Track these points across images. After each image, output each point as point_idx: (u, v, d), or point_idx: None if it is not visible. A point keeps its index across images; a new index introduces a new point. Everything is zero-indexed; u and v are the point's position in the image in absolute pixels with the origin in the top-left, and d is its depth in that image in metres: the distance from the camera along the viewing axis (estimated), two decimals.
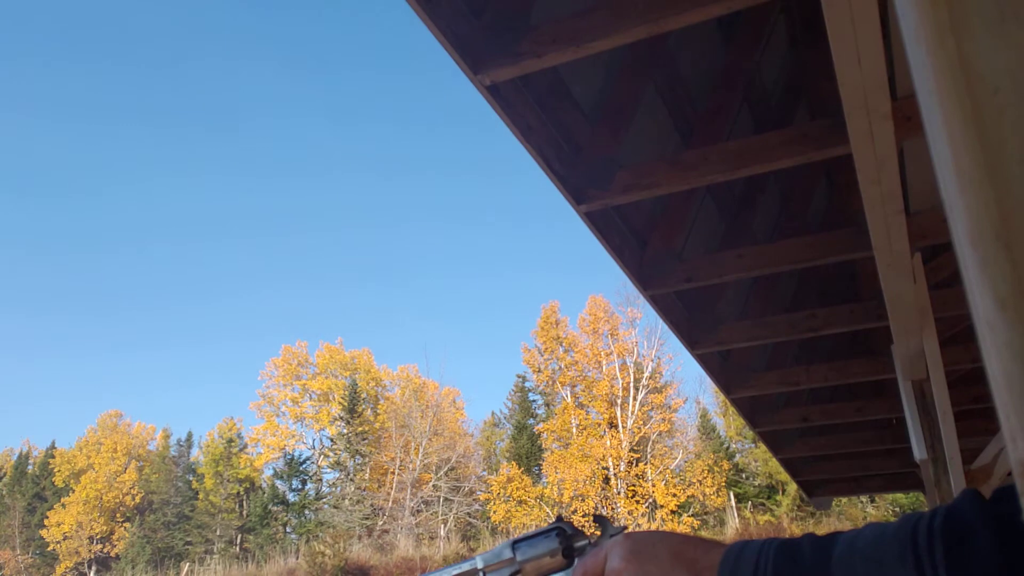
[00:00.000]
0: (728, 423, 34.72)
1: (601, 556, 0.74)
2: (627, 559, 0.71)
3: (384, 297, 66.27)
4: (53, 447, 44.73)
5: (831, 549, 0.56)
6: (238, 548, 35.51)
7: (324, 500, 35.28)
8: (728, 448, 34.32)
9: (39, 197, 66.05)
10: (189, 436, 43.93)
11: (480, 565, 0.87)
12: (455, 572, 0.88)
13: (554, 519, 0.86)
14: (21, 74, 65.26)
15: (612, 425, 32.04)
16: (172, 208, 66.58)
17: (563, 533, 0.84)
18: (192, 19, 66.90)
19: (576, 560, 0.82)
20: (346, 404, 36.07)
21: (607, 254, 3.58)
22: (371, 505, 32.79)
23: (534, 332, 36.31)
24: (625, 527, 0.84)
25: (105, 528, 38.82)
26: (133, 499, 39.77)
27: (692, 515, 29.62)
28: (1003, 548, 0.47)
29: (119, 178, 66.09)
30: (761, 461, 31.35)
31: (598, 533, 0.84)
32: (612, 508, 29.50)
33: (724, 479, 30.87)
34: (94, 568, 38.48)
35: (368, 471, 34.72)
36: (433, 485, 33.40)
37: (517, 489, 30.70)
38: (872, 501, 29.33)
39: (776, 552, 0.60)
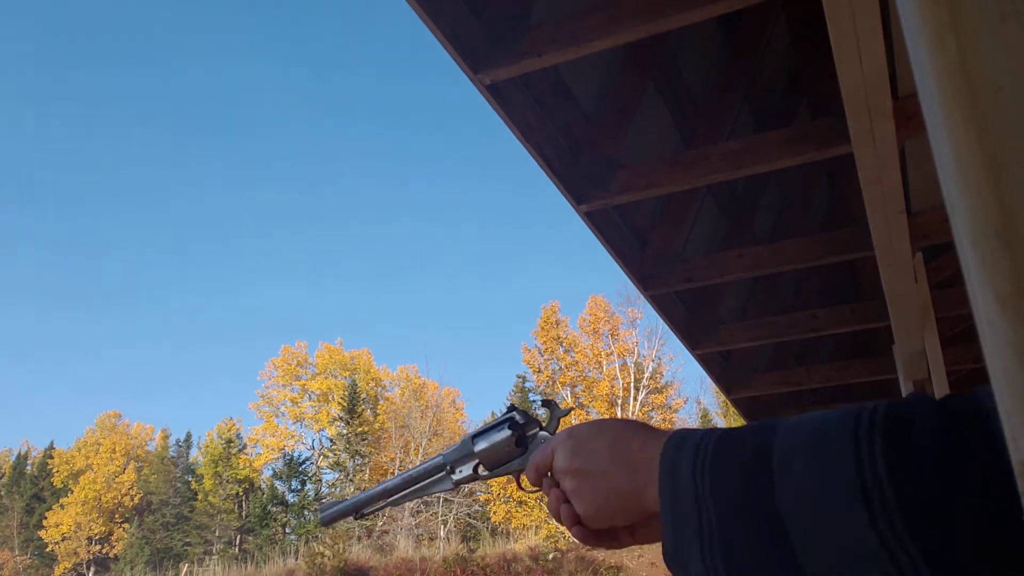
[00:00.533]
0: (729, 423, 34.71)
1: (548, 452, 0.77)
2: (569, 459, 0.72)
3: (384, 297, 66.32)
4: (51, 447, 44.73)
5: (773, 434, 0.54)
6: (237, 549, 35.50)
7: (324, 500, 35.27)
8: None
9: (38, 196, 66.11)
10: (188, 437, 43.98)
11: (447, 460, 0.93)
12: (424, 467, 0.95)
13: (506, 409, 0.91)
14: (18, 72, 65.32)
15: None
16: (172, 208, 66.63)
17: (515, 423, 0.89)
18: (193, 19, 66.97)
19: (528, 447, 0.88)
20: (346, 404, 36.06)
21: (607, 254, 3.58)
22: None
23: (534, 332, 36.32)
24: (571, 409, 0.90)
25: (104, 529, 38.81)
26: (132, 500, 39.76)
27: None
28: (945, 436, 0.46)
29: (118, 178, 66.15)
30: None
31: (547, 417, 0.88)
32: None
33: None
34: (93, 569, 38.46)
35: (368, 472, 34.70)
36: None
37: (517, 490, 30.68)
38: None
39: (718, 442, 0.58)
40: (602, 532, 0.75)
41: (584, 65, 3.05)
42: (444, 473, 0.94)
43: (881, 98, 1.83)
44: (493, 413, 42.52)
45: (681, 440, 0.62)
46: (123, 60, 65.76)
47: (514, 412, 0.90)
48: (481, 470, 0.91)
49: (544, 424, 0.89)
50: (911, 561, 0.46)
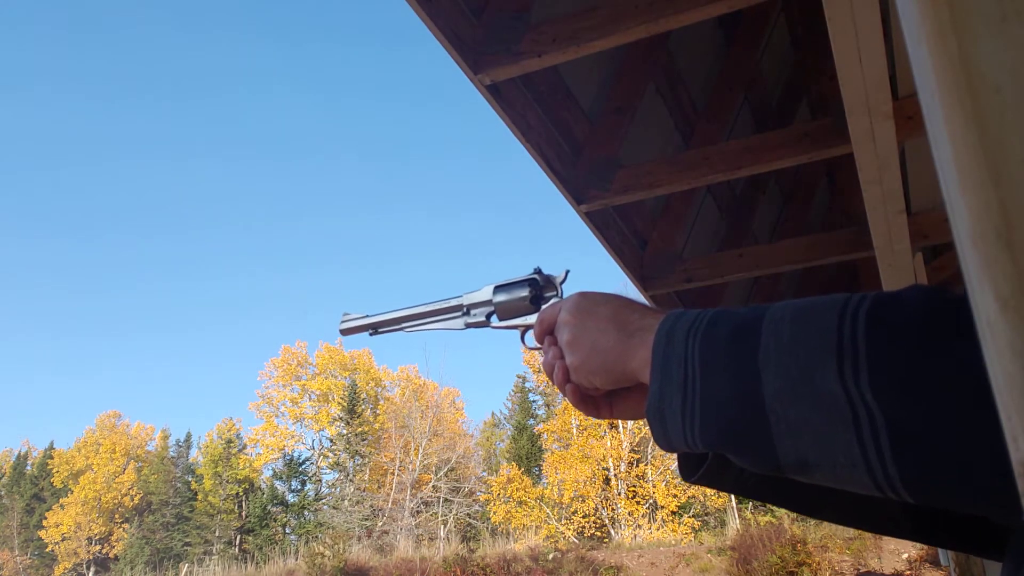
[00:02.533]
0: None
1: (557, 307, 0.80)
2: (572, 313, 0.76)
3: (384, 298, 66.31)
4: (51, 448, 44.73)
5: (766, 310, 0.57)
6: (237, 549, 35.48)
7: (323, 501, 35.26)
8: None
9: (38, 197, 66.07)
10: (188, 437, 43.96)
11: (465, 302, 0.98)
12: (443, 305, 0.99)
13: (533, 269, 0.95)
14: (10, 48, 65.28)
15: (612, 426, 32.03)
16: (171, 210, 66.60)
17: (535, 283, 0.92)
18: (193, 18, 66.93)
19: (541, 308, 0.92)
20: (345, 405, 36.05)
21: (607, 254, 3.58)
22: (370, 506, 32.76)
23: None
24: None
25: (104, 529, 38.81)
26: (132, 500, 39.74)
27: (693, 516, 29.61)
28: (927, 311, 0.47)
29: (118, 179, 66.11)
30: None
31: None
32: (612, 509, 29.49)
33: None
34: (93, 569, 38.46)
35: (368, 472, 34.69)
36: (433, 486, 33.38)
37: (517, 490, 30.68)
38: None
39: (716, 311, 0.62)
40: (587, 398, 0.79)
41: (584, 65, 3.05)
42: (460, 313, 0.98)
43: (881, 98, 1.83)
44: (493, 414, 42.55)
45: (681, 312, 0.65)
46: (117, 39, 65.76)
47: (537, 274, 0.94)
48: (494, 319, 0.95)
49: (563, 294, 0.92)
50: (869, 416, 0.47)
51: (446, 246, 67.45)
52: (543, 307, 0.88)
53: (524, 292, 0.93)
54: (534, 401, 38.10)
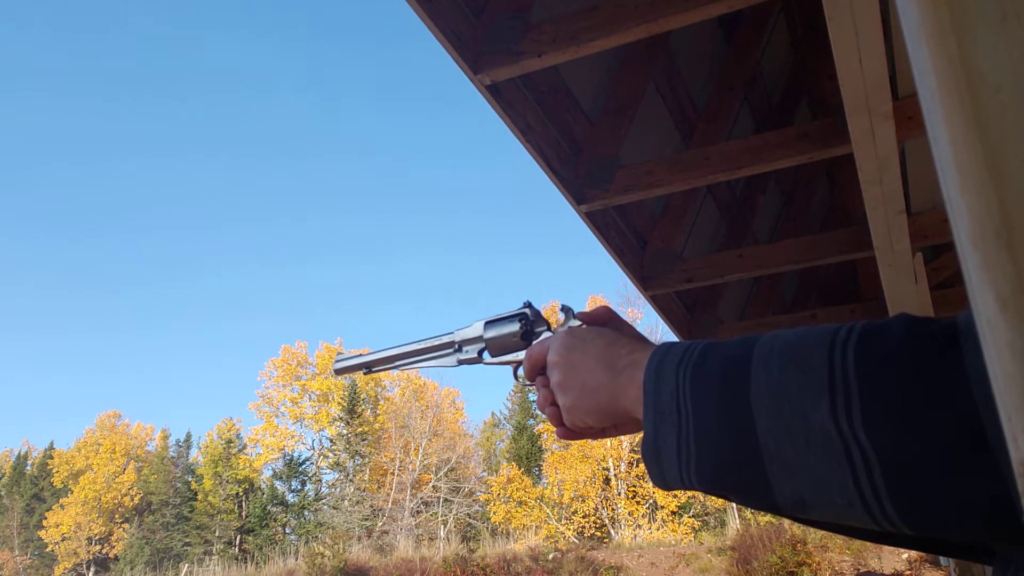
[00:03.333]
0: None
1: (545, 346, 0.80)
2: (559, 352, 0.75)
3: (384, 298, 66.32)
4: (51, 448, 44.74)
5: (755, 343, 0.56)
6: (237, 549, 35.47)
7: (323, 501, 35.25)
8: None
9: (37, 198, 66.08)
10: (188, 437, 43.95)
11: (456, 338, 0.98)
12: (436, 342, 1.00)
13: (523, 303, 0.94)
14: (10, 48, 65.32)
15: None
16: (171, 210, 66.62)
17: (525, 318, 0.93)
18: (193, 18, 66.96)
19: (532, 343, 0.91)
20: (346, 404, 36.04)
21: (607, 254, 3.58)
22: (371, 506, 32.75)
23: None
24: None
25: (104, 529, 38.80)
26: (132, 500, 39.73)
27: (693, 516, 29.60)
28: (913, 346, 0.47)
29: (118, 179, 66.13)
30: None
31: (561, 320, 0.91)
32: (612, 509, 29.49)
33: None
34: (93, 569, 38.45)
35: (368, 472, 34.68)
36: (433, 486, 33.38)
37: (517, 490, 30.67)
38: None
39: (705, 345, 0.61)
40: (581, 434, 0.79)
41: (584, 65, 3.05)
42: (452, 350, 0.98)
43: (881, 98, 1.83)
44: (493, 414, 42.54)
45: (670, 346, 0.65)
46: (110, 40, 65.79)
47: (527, 308, 0.94)
48: (486, 355, 0.96)
49: (555, 327, 0.91)
50: (863, 455, 0.47)
51: (446, 245, 67.50)
52: (532, 344, 0.87)
53: (514, 327, 0.92)
54: (534, 401, 38.06)
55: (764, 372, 0.53)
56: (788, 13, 4.15)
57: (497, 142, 67.92)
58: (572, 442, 31.68)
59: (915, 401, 0.45)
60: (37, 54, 65.70)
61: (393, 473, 33.78)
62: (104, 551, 38.81)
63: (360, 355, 1.08)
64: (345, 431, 35.60)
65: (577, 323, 0.87)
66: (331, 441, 36.83)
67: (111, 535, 39.13)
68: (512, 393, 39.16)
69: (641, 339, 0.74)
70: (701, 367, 0.59)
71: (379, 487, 34.21)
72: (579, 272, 64.64)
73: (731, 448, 0.54)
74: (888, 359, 0.47)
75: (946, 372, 0.45)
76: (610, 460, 30.51)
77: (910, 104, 2.40)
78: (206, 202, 67.09)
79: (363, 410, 36.73)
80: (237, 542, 36.19)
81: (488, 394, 68.65)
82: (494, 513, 30.98)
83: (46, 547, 38.66)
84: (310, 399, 38.25)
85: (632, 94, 3.29)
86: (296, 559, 27.45)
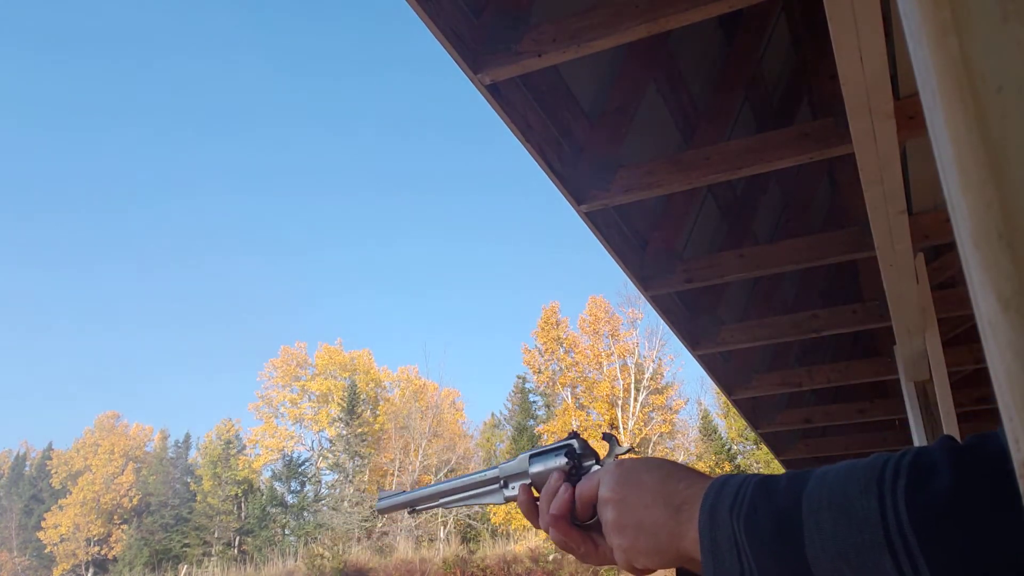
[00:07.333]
0: (730, 424, 34.69)
1: (595, 481, 0.76)
2: (614, 489, 0.71)
3: (384, 298, 66.33)
4: (50, 449, 44.76)
5: (805, 484, 0.56)
6: (236, 550, 35.48)
7: (323, 502, 35.26)
8: (730, 450, 34.28)
9: (36, 199, 66.09)
10: (187, 437, 43.97)
11: (501, 474, 0.94)
12: (480, 478, 0.97)
13: (568, 433, 0.90)
14: (12, 73, 65.34)
15: (613, 426, 32.02)
16: (172, 210, 66.62)
17: (572, 451, 0.87)
18: (184, 16, 66.97)
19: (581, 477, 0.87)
20: (345, 405, 36.04)
21: (608, 254, 3.58)
22: (370, 507, 32.77)
23: (534, 333, 36.30)
24: (632, 447, 0.87)
25: (102, 530, 38.80)
26: (131, 501, 39.74)
27: None
28: (959, 484, 0.48)
29: (119, 180, 66.13)
30: (763, 463, 31.32)
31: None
32: None
33: None
34: (91, 570, 38.44)
35: (367, 473, 34.69)
36: None
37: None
38: None
39: (755, 488, 0.60)
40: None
41: (584, 65, 3.05)
42: (498, 486, 0.95)
43: (882, 98, 1.83)
44: (493, 415, 42.50)
45: (723, 484, 0.63)
46: (108, 50, 65.79)
47: (574, 440, 0.89)
48: (533, 491, 0.91)
49: (602, 459, 0.87)
50: None
51: (446, 242, 67.49)
52: (582, 479, 0.82)
53: (561, 462, 0.87)
54: (534, 402, 38.09)
55: (817, 529, 0.53)
56: (789, 12, 4.15)
57: (496, 142, 67.96)
58: None
59: (980, 547, 0.46)
60: (37, 57, 65.73)
61: (393, 474, 33.79)
62: (103, 552, 38.80)
63: (403, 492, 1.04)
64: (345, 432, 35.60)
65: (623, 449, 0.83)
66: (331, 442, 36.83)
67: (110, 536, 39.13)
68: (512, 393, 39.17)
69: (692, 469, 0.71)
70: (753, 519, 0.58)
71: (379, 488, 34.21)
72: (579, 272, 64.67)
73: None
74: (943, 510, 0.48)
75: (1002, 512, 0.45)
76: None
77: (911, 104, 2.39)
78: (207, 202, 67.15)
79: (363, 411, 36.72)
80: (236, 543, 36.19)
81: (488, 394, 68.74)
82: (494, 514, 30.98)
83: (44, 548, 38.65)
84: (310, 400, 38.27)
85: (633, 94, 3.29)
86: (295, 560, 27.47)
